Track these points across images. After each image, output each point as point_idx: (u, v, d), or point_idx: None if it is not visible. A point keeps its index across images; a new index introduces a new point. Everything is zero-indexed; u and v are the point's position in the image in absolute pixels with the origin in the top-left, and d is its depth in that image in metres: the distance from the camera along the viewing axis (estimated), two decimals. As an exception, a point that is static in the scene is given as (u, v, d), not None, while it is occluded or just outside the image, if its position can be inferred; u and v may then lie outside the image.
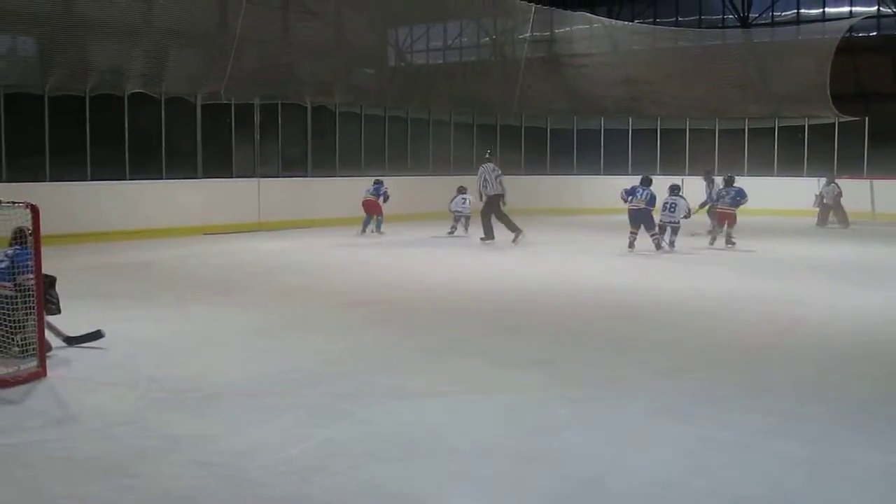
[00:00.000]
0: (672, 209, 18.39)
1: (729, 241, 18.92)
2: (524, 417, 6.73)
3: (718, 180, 21.25)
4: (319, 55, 25.62)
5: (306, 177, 24.26)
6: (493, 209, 19.50)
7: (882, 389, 7.68)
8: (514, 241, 19.18)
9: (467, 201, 21.56)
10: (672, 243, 18.29)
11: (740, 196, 19.32)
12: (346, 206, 22.33)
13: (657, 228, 18.17)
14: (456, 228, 21.62)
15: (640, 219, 18.16)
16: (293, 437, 6.18)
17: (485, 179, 19.65)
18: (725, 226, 19.11)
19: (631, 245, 18.20)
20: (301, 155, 24.53)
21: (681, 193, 18.92)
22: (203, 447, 6.00)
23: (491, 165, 19.87)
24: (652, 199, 18.10)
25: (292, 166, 24.28)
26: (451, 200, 21.84)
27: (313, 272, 15.08)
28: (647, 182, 18.63)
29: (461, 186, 22.06)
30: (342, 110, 25.74)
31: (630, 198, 18.23)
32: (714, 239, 19.51)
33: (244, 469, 5.59)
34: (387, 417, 6.67)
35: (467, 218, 21.55)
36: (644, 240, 17.99)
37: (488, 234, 19.42)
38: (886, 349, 9.28)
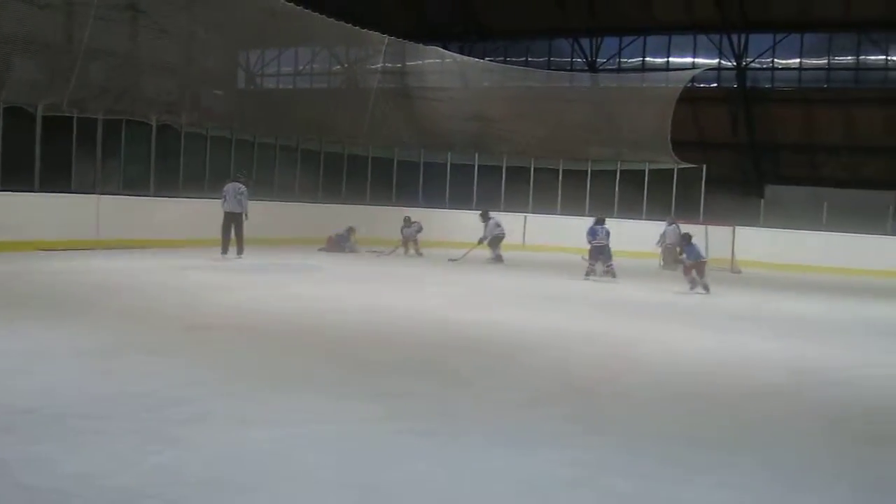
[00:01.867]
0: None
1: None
2: (366, 449, 6.66)
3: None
4: (168, 73, 25.23)
5: (149, 196, 23.69)
6: (231, 223, 20.79)
7: (715, 427, 7.87)
8: (237, 255, 20.70)
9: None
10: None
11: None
12: (189, 227, 21.97)
13: (612, 261, 21.00)
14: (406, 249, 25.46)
15: (601, 253, 20.87)
16: (127, 463, 5.98)
17: (224, 197, 20.91)
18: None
19: (588, 274, 20.85)
20: (144, 173, 23.96)
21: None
22: (32, 471, 5.76)
23: (238, 185, 21.09)
24: (608, 235, 20.97)
25: (135, 185, 23.67)
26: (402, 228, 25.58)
27: (153, 293, 14.74)
28: (602, 222, 21.49)
29: (407, 217, 25.82)
30: (188, 130, 25.31)
31: (592, 237, 20.96)
32: None
33: (73, 495, 5.39)
34: (224, 446, 6.52)
35: (415, 242, 25.29)
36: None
37: (224, 249, 20.84)
38: (718, 389, 9.52)
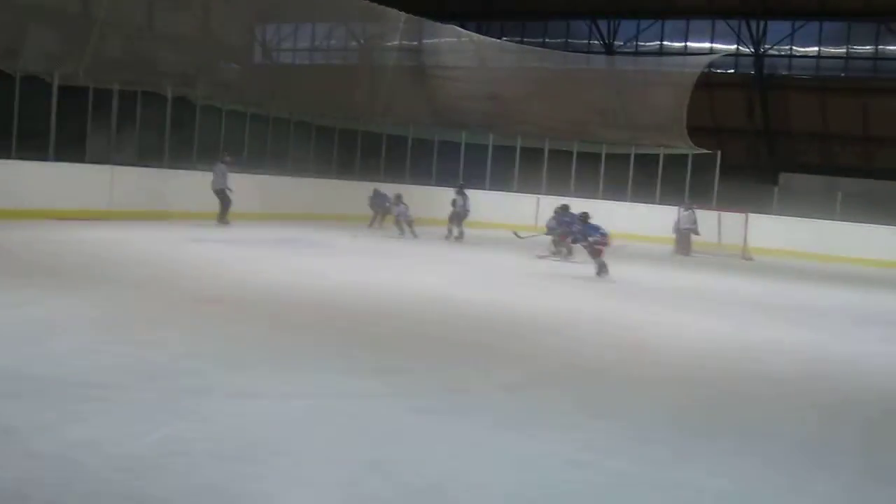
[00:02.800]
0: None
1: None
2: (368, 425, 6.71)
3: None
4: (184, 46, 25.24)
5: (162, 167, 23.73)
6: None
7: (718, 416, 7.90)
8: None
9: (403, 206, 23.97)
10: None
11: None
12: (202, 199, 22.01)
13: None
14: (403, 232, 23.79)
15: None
16: (134, 432, 6.04)
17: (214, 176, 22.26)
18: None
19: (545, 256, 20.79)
20: (158, 145, 23.99)
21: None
22: (39, 437, 5.83)
23: (223, 166, 22.23)
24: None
25: (149, 156, 23.68)
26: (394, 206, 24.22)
27: (164, 265, 14.81)
28: (566, 209, 21.40)
29: (398, 195, 24.40)
30: (203, 103, 25.33)
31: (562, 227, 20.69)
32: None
33: (79, 462, 5.44)
34: (230, 418, 6.58)
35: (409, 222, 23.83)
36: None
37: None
38: (729, 375, 9.55)
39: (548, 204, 25.35)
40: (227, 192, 22.11)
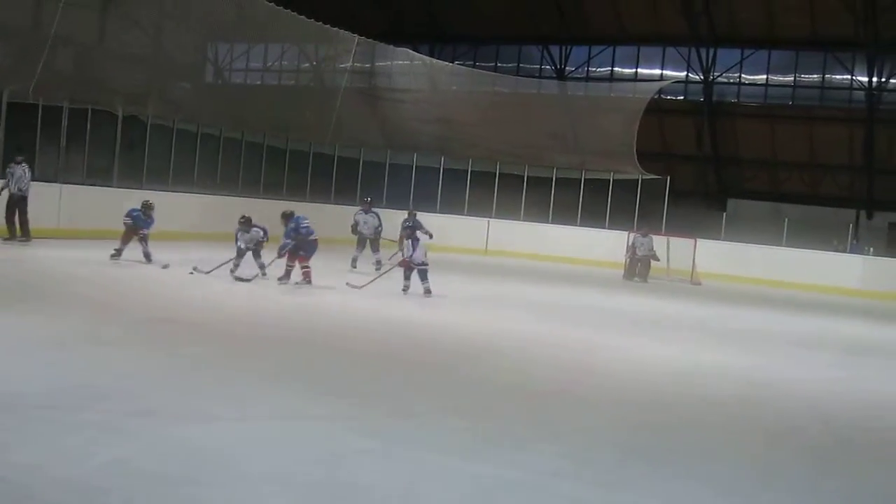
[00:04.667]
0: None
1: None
2: (320, 446, 6.71)
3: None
4: (136, 64, 25.09)
5: (112, 186, 23.52)
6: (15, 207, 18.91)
7: (663, 439, 7.96)
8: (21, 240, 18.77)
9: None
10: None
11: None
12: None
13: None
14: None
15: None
16: (81, 454, 6.00)
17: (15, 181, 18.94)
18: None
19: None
20: (108, 163, 23.80)
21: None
22: (-17, 459, 5.78)
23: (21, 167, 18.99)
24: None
25: (98, 175, 23.49)
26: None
27: (111, 285, 14.69)
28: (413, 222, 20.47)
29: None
30: (154, 122, 25.17)
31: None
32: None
33: (27, 485, 5.41)
34: (177, 439, 6.55)
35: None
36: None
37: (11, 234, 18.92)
38: (675, 399, 9.64)
39: (499, 227, 25.38)
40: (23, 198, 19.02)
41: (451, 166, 32.66)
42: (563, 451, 7.13)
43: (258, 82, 32.93)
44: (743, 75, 38.42)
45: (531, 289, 20.01)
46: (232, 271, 16.74)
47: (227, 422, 7.21)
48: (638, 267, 25.77)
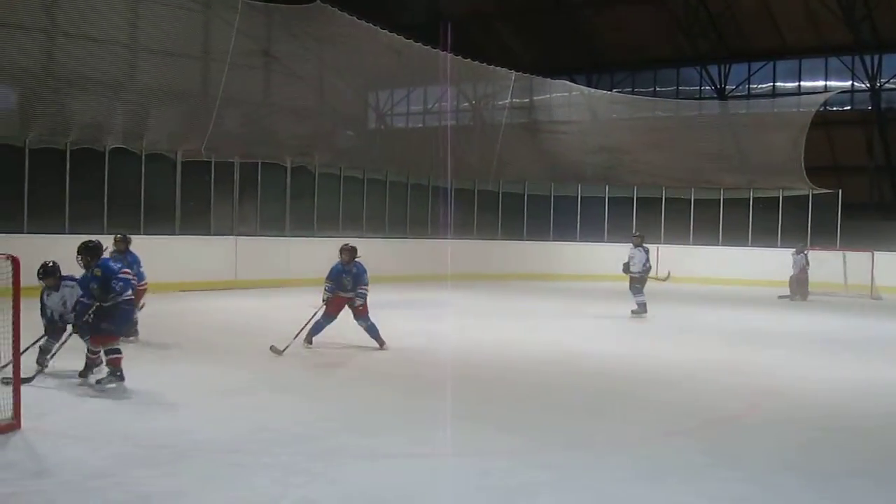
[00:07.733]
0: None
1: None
2: (499, 481, 6.73)
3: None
4: (301, 116, 25.78)
5: (284, 236, 24.24)
6: None
7: (856, 461, 7.72)
8: None
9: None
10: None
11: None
12: (324, 266, 22.31)
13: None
14: None
15: None
16: (267, 497, 6.17)
17: None
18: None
19: None
20: (279, 214, 24.52)
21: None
22: (175, 504, 6.00)
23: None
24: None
25: (270, 225, 24.25)
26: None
27: (286, 332, 15.01)
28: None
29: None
30: (322, 171, 25.80)
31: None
32: None
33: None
34: (359, 478, 6.67)
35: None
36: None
37: None
38: (861, 422, 9.34)
39: (667, 253, 25.03)
40: None
41: (615, 194, 32.41)
42: (747, 477, 7.00)
43: (419, 125, 33.37)
44: (912, 80, 37.16)
45: (719, 313, 19.54)
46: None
47: (404, 459, 7.30)
48: (794, 285, 24.97)
